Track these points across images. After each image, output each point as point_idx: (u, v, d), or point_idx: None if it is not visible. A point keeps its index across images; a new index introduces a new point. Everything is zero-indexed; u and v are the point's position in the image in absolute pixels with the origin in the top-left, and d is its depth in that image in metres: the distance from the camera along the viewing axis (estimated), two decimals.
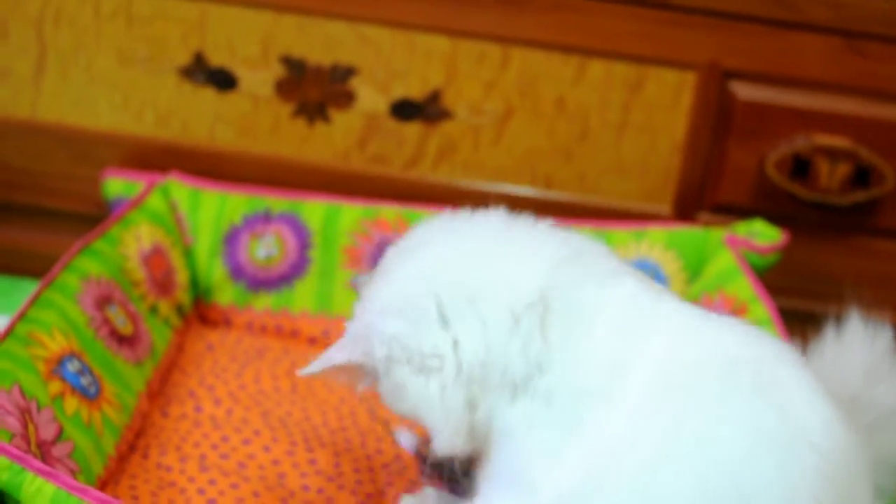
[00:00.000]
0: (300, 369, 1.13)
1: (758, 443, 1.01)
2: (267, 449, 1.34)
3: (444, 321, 1.10)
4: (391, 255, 1.18)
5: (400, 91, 1.81)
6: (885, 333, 1.32)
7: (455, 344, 1.10)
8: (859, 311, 1.35)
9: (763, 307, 1.57)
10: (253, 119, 1.82)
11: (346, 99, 1.81)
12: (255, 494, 1.24)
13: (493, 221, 1.16)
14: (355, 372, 1.14)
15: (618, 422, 1.05)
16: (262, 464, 1.31)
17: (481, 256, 1.13)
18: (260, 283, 1.69)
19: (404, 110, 1.81)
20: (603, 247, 1.16)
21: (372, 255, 1.71)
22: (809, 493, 1.01)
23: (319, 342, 1.67)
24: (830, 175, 1.77)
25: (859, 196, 1.78)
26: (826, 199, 1.78)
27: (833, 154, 1.77)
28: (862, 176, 1.78)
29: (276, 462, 1.32)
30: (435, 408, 1.10)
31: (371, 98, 1.81)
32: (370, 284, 1.17)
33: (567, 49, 1.77)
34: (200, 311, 1.69)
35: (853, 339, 1.33)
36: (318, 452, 1.35)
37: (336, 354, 1.13)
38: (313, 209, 1.73)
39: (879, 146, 1.77)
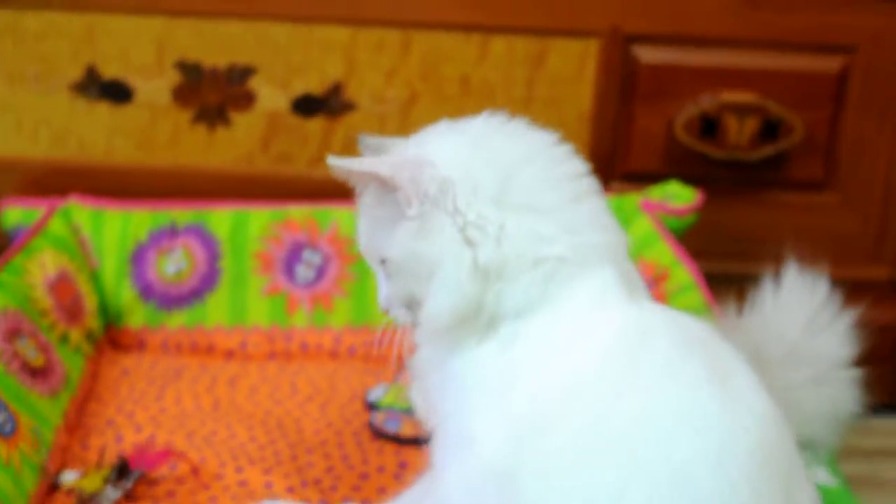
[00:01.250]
0: (333, 158, 1.05)
1: (695, 425, 1.00)
2: (195, 472, 1.30)
3: (499, 202, 1.05)
4: (471, 121, 1.11)
5: (300, 87, 1.77)
6: (821, 285, 1.31)
7: (501, 228, 1.05)
8: (794, 264, 1.33)
9: (685, 270, 1.56)
10: (151, 130, 1.77)
11: (246, 100, 1.77)
12: None
13: (571, 155, 1.12)
14: (382, 194, 1.06)
15: (563, 380, 1.03)
16: (192, 489, 1.27)
17: (552, 177, 1.08)
18: (171, 300, 1.64)
19: (306, 106, 1.77)
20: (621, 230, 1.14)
21: (285, 258, 1.67)
22: (740, 472, 1.00)
23: (237, 355, 1.63)
24: (739, 131, 1.76)
25: (769, 150, 1.77)
26: (737, 155, 1.77)
27: (740, 110, 1.75)
28: (770, 130, 1.76)
29: (206, 486, 1.28)
30: (453, 272, 1.04)
31: (271, 97, 1.77)
32: (442, 131, 1.10)
33: (468, 28, 1.74)
34: (112, 336, 1.64)
35: (790, 293, 1.32)
36: (247, 472, 1.31)
37: (381, 166, 1.04)
38: (220, 218, 1.68)
39: (786, 98, 1.76)
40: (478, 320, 1.05)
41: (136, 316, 1.63)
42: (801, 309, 1.30)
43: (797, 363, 1.25)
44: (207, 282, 1.65)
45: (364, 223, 1.11)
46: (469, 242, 1.04)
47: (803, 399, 1.25)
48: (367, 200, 1.10)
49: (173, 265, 1.65)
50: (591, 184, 1.11)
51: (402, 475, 1.32)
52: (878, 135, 1.79)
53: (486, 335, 1.06)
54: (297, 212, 1.68)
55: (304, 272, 1.66)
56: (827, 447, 1.29)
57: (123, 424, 1.40)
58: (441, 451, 1.08)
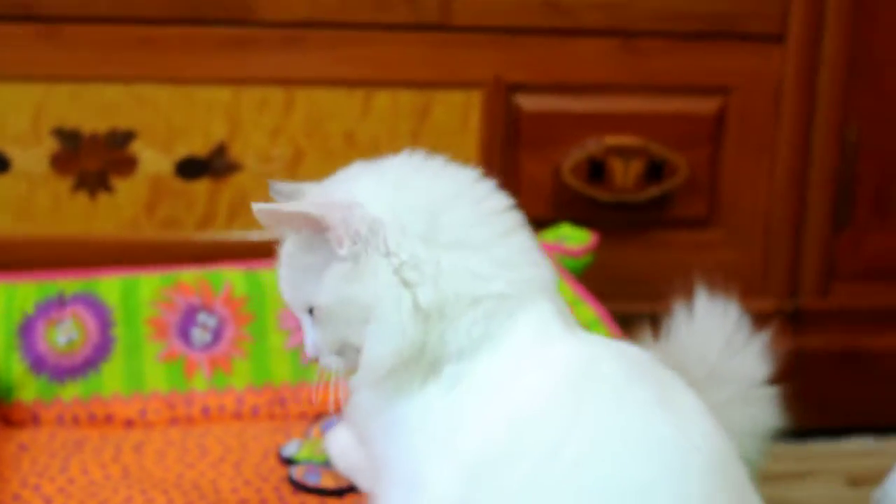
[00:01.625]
0: (259, 204, 1.03)
1: (650, 449, 1.01)
2: None
3: (430, 242, 1.04)
4: (388, 162, 1.11)
5: (183, 149, 1.74)
6: (732, 311, 1.33)
7: (437, 267, 1.04)
8: (703, 293, 1.36)
9: (589, 308, 1.57)
10: (30, 200, 1.72)
11: (128, 165, 1.73)
12: None
13: (494, 191, 1.12)
14: (309, 239, 1.04)
15: (513, 417, 1.02)
16: None
17: (480, 213, 1.08)
18: (64, 371, 1.58)
19: (190, 168, 1.75)
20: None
21: (179, 323, 1.63)
22: (697, 492, 1.01)
23: (137, 423, 1.58)
24: (625, 174, 1.79)
25: (655, 191, 1.81)
26: (624, 197, 1.80)
27: (624, 153, 1.79)
28: (655, 171, 1.80)
29: None
30: (392, 314, 1.02)
31: (154, 160, 1.74)
32: (363, 174, 1.09)
33: (351, 83, 1.74)
34: (3, 413, 1.57)
35: (704, 319, 1.34)
36: None
37: (311, 207, 1.02)
38: (109, 285, 1.63)
39: (667, 140, 1.81)
40: (420, 362, 1.04)
41: (28, 390, 1.57)
42: (716, 332, 1.33)
43: (719, 384, 1.27)
44: (101, 350, 1.60)
45: (287, 272, 1.08)
46: (407, 284, 1.03)
47: (729, 418, 1.27)
48: (290, 249, 1.08)
49: (64, 335, 1.59)
50: (516, 217, 1.12)
51: None
52: (756, 171, 1.85)
53: (429, 377, 1.05)
54: (189, 275, 1.65)
55: (200, 335, 1.62)
56: (754, 465, 1.31)
57: (31, 498, 1.34)
58: (387, 494, 1.06)
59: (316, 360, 1.10)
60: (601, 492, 0.99)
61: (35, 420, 1.57)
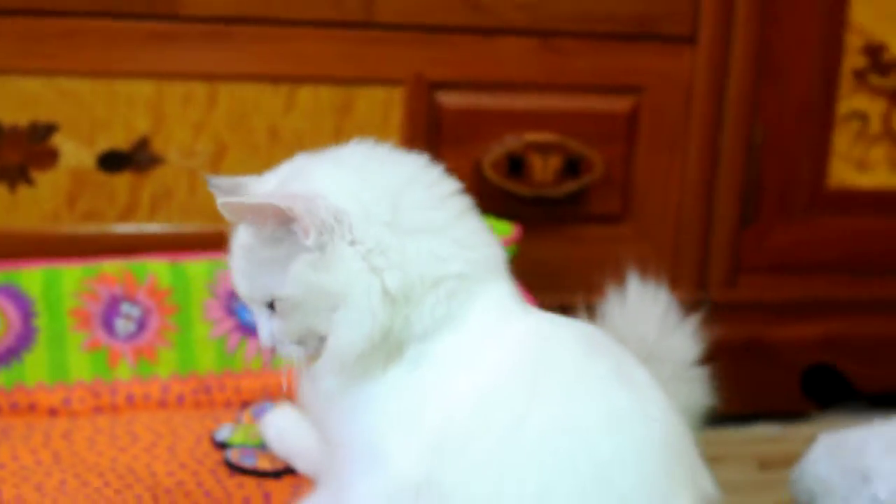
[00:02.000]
0: (225, 198, 1.03)
1: (611, 421, 1.05)
2: None
3: (394, 227, 1.06)
4: (336, 153, 1.12)
5: (105, 143, 1.74)
6: (662, 294, 1.38)
7: (402, 252, 1.06)
8: (634, 279, 1.40)
9: None
10: None
11: (49, 157, 1.72)
12: None
13: (442, 175, 1.15)
14: (273, 231, 1.05)
15: (475, 392, 1.05)
16: None
17: (434, 196, 1.11)
18: None
19: (112, 162, 1.74)
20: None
21: (102, 313, 1.62)
22: (660, 463, 1.05)
23: (61, 412, 1.57)
24: (544, 169, 1.84)
25: (572, 186, 1.85)
26: (543, 192, 1.84)
27: (543, 149, 1.83)
28: (572, 167, 1.85)
29: None
30: (362, 301, 1.04)
31: (75, 153, 1.73)
32: (317, 165, 1.09)
33: (275, 79, 1.76)
34: None
35: (636, 303, 1.38)
36: None
37: (275, 198, 1.03)
38: (31, 276, 1.62)
39: (584, 137, 1.85)
40: (385, 346, 1.06)
41: None
42: (650, 315, 1.37)
43: (658, 363, 1.31)
44: (23, 340, 1.59)
45: (243, 265, 1.09)
46: (375, 270, 1.05)
47: (670, 395, 1.31)
48: (246, 241, 1.08)
49: None
50: (466, 200, 1.14)
51: None
52: (667, 169, 1.90)
53: (393, 358, 1.07)
54: (112, 266, 1.65)
55: (123, 325, 1.62)
56: None
57: None
58: (347, 470, 1.07)
59: (272, 350, 1.11)
60: (565, 464, 1.02)
61: None
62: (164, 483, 1.34)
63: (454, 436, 1.04)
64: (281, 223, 1.05)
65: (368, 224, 1.06)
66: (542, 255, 1.87)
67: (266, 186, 1.12)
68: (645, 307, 1.38)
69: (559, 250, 1.88)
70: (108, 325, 1.61)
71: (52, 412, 1.56)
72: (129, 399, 1.58)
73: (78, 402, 1.57)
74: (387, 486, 1.05)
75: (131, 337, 1.61)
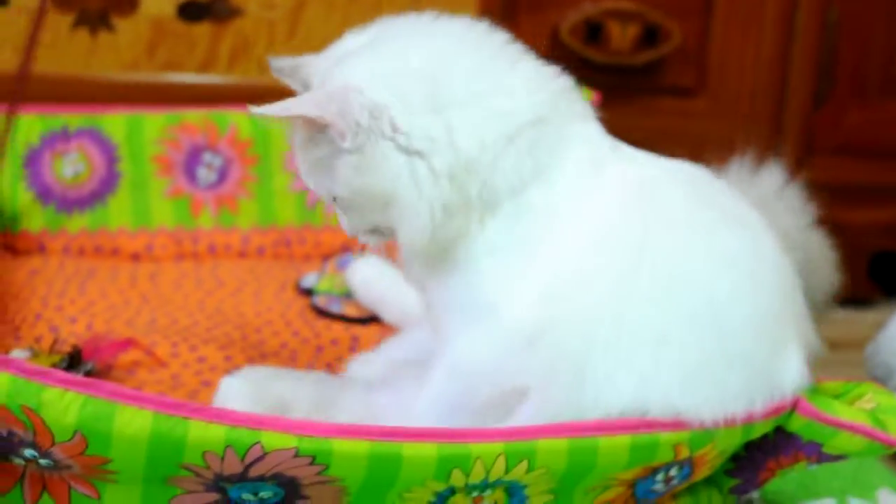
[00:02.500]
0: (256, 107, 1.00)
1: (724, 261, 1.05)
2: (148, 353, 1.26)
3: (437, 106, 1.03)
4: (380, 29, 1.08)
5: None
6: (773, 167, 1.37)
7: (449, 129, 1.03)
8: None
9: None
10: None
11: (129, 4, 1.72)
12: (161, 395, 1.17)
13: (488, 31, 1.09)
14: (313, 134, 1.02)
15: (584, 239, 1.05)
16: (151, 367, 1.24)
17: (481, 57, 1.06)
18: (71, 202, 1.59)
19: (192, 11, 1.74)
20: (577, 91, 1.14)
21: (184, 161, 1.63)
22: (766, 303, 1.06)
23: (144, 257, 1.59)
24: (622, 37, 1.83)
25: (650, 55, 1.84)
26: (619, 60, 1.83)
27: (621, 16, 1.82)
28: (650, 36, 1.84)
29: (163, 365, 1.25)
30: (412, 194, 1.02)
31: (156, 1, 1.72)
32: (357, 51, 1.05)
33: None
34: (7, 242, 1.57)
35: (740, 172, 1.38)
36: (203, 350, 1.29)
37: (305, 106, 0.99)
38: (114, 122, 1.63)
39: (664, 6, 1.84)
40: (471, 212, 1.04)
41: (35, 219, 1.57)
42: (751, 182, 1.37)
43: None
44: (107, 185, 1.60)
45: (303, 165, 1.06)
46: (419, 157, 1.02)
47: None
48: (298, 142, 1.05)
49: (70, 167, 1.59)
50: (519, 48, 1.10)
51: (356, 347, 1.32)
52: (742, 45, 1.89)
53: (487, 216, 1.05)
54: (194, 115, 1.65)
55: (205, 174, 1.63)
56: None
57: (54, 317, 1.35)
58: (455, 326, 1.07)
59: (355, 237, 1.10)
60: (681, 308, 1.03)
61: (42, 250, 1.57)
62: (253, 323, 1.36)
63: (565, 284, 1.04)
64: (317, 129, 1.02)
65: (409, 113, 1.02)
66: (613, 126, 1.86)
67: (321, 66, 1.08)
68: (741, 177, 1.38)
69: (633, 120, 1.87)
70: (191, 174, 1.62)
71: (135, 257, 1.59)
72: (211, 248, 1.60)
73: (160, 248, 1.59)
74: (499, 336, 1.05)
75: (213, 186, 1.62)
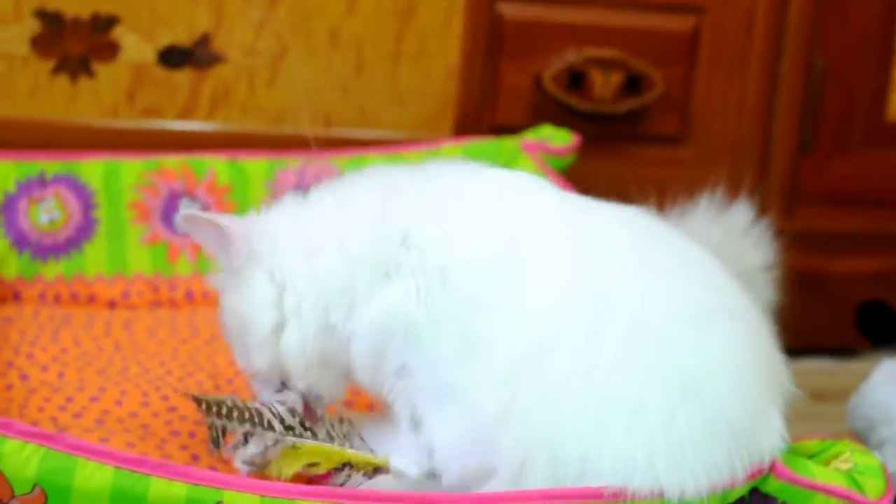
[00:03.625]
0: (185, 210, 1.07)
1: (690, 316, 1.03)
2: (119, 403, 1.25)
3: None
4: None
5: (167, 38, 1.72)
6: (735, 205, 1.36)
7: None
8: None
9: None
10: (10, 80, 1.69)
11: (110, 50, 1.71)
12: (130, 445, 1.15)
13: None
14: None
15: (541, 302, 1.02)
16: (119, 417, 1.22)
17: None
18: (47, 249, 1.57)
19: (173, 57, 1.73)
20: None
21: (162, 208, 1.62)
22: (742, 360, 1.04)
23: (120, 304, 1.58)
24: (604, 85, 1.82)
25: (632, 103, 1.84)
26: (602, 108, 1.83)
27: (604, 65, 1.82)
28: (633, 84, 1.83)
29: (133, 415, 1.23)
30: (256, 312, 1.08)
31: (137, 47, 1.72)
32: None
33: None
34: None
35: (704, 211, 1.37)
36: (174, 399, 1.27)
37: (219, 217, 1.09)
38: (91, 168, 1.62)
39: (646, 54, 1.84)
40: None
41: (10, 266, 1.56)
42: (717, 220, 1.36)
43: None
44: (83, 231, 1.59)
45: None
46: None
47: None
48: None
49: (46, 214, 1.58)
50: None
51: None
52: (727, 91, 1.89)
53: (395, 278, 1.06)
54: (172, 161, 1.64)
55: None
56: None
57: (25, 365, 1.34)
58: (423, 405, 1.06)
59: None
60: (652, 375, 1.00)
61: (17, 298, 1.56)
62: (226, 373, 1.35)
63: (524, 358, 1.01)
64: (221, 242, 1.09)
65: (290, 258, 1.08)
66: (596, 174, 1.86)
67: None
68: (712, 216, 1.37)
69: (615, 169, 1.87)
70: (168, 220, 1.61)
71: (111, 305, 1.57)
72: (188, 295, 1.59)
73: (137, 295, 1.58)
74: (463, 419, 1.03)
75: None
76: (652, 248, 1.06)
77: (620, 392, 0.99)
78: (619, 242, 1.06)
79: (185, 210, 1.07)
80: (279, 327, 1.06)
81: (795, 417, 1.17)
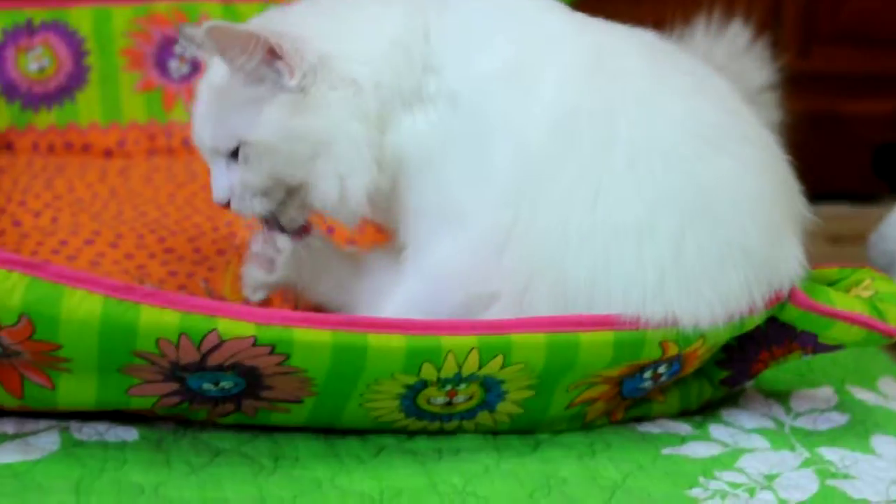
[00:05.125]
0: (213, 22, 0.96)
1: (704, 137, 0.98)
2: (114, 245, 1.22)
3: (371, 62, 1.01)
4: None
5: None
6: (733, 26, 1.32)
7: (378, 84, 1.01)
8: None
9: None
10: None
11: None
12: None
13: None
14: (249, 69, 0.98)
15: (543, 120, 0.98)
16: (116, 259, 1.19)
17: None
18: (38, 98, 1.52)
19: None
20: None
21: (154, 54, 1.57)
22: (757, 184, 0.99)
23: (116, 153, 1.53)
24: None
25: None
26: None
27: None
28: None
29: (129, 256, 1.20)
30: (347, 152, 0.99)
31: None
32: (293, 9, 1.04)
33: None
34: None
35: (706, 33, 1.33)
36: (171, 241, 1.23)
37: (267, 31, 0.96)
38: (80, 14, 1.56)
39: None
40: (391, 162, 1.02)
41: (1, 117, 1.50)
42: (718, 41, 1.31)
43: None
44: (75, 79, 1.54)
45: (211, 109, 1.02)
46: (359, 116, 1.00)
47: None
48: (218, 82, 1.01)
49: (35, 63, 1.53)
50: None
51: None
52: None
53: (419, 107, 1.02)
54: (163, 6, 1.58)
55: (177, 66, 1.56)
56: None
57: (17, 212, 1.30)
58: (424, 226, 1.02)
59: (226, 203, 1.03)
60: (665, 191, 0.96)
61: (9, 148, 1.52)
62: (225, 215, 1.30)
63: (529, 179, 0.98)
64: (264, 60, 0.98)
65: (350, 65, 1.00)
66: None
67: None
68: (714, 39, 1.31)
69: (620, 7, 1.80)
70: (162, 66, 1.56)
71: (107, 153, 1.53)
72: (185, 142, 1.54)
73: (132, 143, 1.53)
74: (469, 241, 1.00)
75: (186, 78, 1.56)
76: (666, 68, 1.01)
77: (628, 214, 0.95)
78: (632, 61, 1.02)
79: (210, 24, 0.96)
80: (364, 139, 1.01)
81: (813, 259, 1.14)
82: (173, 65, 1.57)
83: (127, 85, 1.55)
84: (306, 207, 1.03)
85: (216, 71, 1.01)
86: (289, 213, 1.03)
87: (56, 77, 1.54)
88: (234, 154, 1.01)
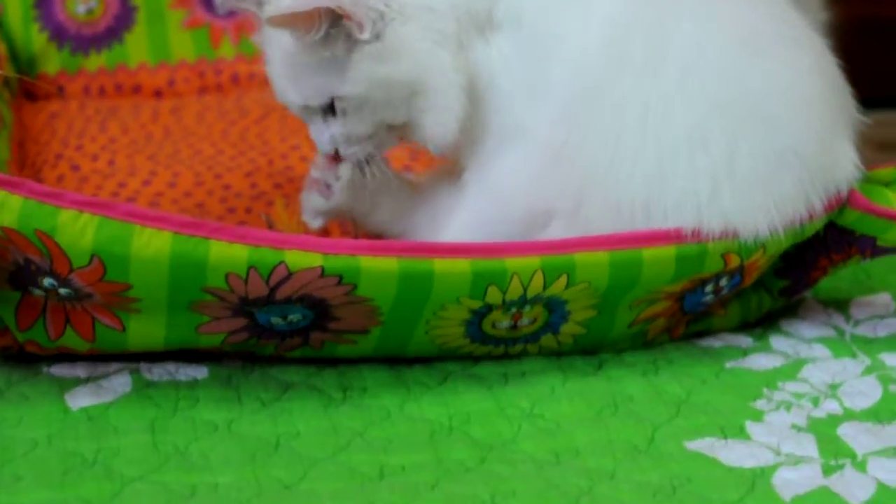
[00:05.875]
0: (271, 13, 0.96)
1: (755, 45, 0.98)
2: (172, 185, 1.23)
3: None
4: None
5: None
6: None
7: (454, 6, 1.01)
8: None
9: None
10: None
11: None
12: None
13: None
14: (318, 35, 0.97)
15: (598, 35, 0.99)
16: (174, 198, 1.21)
17: None
18: (87, 41, 1.53)
19: None
20: None
21: None
22: (809, 88, 1.00)
23: (166, 93, 1.54)
24: None
25: None
26: None
27: None
28: None
29: (188, 194, 1.22)
30: (437, 75, 1.00)
31: None
32: None
33: None
34: (26, 87, 1.53)
35: None
36: (227, 177, 1.25)
37: (321, 1, 0.95)
38: None
39: None
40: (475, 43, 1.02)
41: (52, 61, 1.52)
42: None
43: None
44: (122, 20, 1.55)
45: (292, 71, 1.01)
46: (439, 42, 1.00)
47: None
48: (290, 48, 1.00)
49: (83, 5, 1.54)
50: None
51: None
52: None
53: (493, 39, 1.02)
54: None
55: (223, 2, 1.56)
56: None
57: (75, 156, 1.32)
58: (486, 145, 1.03)
59: (333, 153, 1.03)
60: (713, 101, 0.97)
61: (61, 92, 1.53)
62: (279, 149, 1.32)
63: (583, 93, 0.99)
64: (331, 23, 0.97)
65: None
66: None
67: None
68: None
69: None
70: (208, 2, 1.56)
71: (158, 94, 1.54)
72: (234, 78, 1.55)
73: (182, 82, 1.54)
74: (529, 156, 1.01)
75: (232, 13, 1.56)
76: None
77: (679, 125, 0.96)
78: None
79: (270, 13, 0.97)
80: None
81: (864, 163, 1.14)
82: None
83: (174, 23, 1.56)
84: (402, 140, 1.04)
85: (281, 37, 1.01)
86: (388, 147, 1.04)
87: (104, 18, 1.55)
88: (328, 107, 1.01)
